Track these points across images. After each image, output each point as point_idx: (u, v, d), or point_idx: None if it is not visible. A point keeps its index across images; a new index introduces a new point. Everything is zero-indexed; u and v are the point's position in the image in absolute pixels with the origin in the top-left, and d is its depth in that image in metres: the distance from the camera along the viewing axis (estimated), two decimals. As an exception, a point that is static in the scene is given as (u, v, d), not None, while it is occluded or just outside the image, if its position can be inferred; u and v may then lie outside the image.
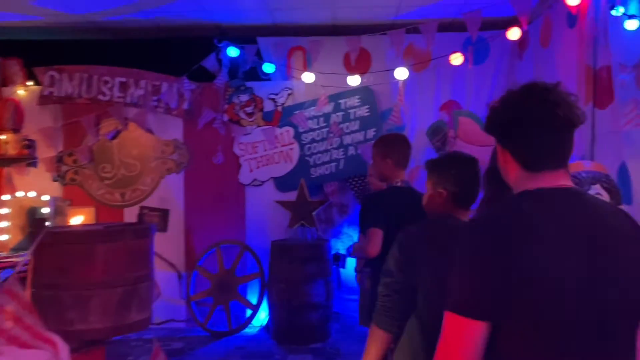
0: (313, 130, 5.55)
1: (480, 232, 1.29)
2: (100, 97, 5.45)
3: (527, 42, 4.93)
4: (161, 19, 5.21)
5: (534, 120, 1.30)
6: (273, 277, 5.12)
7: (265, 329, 5.37)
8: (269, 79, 5.53)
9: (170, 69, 5.44)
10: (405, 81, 5.07)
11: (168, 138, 5.57)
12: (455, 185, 2.05)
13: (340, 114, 5.53)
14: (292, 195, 5.42)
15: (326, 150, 5.56)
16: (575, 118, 1.31)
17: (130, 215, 5.51)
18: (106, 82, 5.46)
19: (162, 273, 5.31)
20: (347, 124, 5.53)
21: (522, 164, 1.35)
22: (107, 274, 3.10)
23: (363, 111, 5.53)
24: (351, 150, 5.53)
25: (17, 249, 5.23)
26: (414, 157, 3.17)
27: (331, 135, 5.50)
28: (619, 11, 3.25)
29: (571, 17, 3.96)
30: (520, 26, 4.33)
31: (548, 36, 4.45)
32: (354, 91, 5.43)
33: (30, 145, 5.46)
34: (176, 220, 5.56)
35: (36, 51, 5.55)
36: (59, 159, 5.51)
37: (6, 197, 5.43)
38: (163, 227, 5.51)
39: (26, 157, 5.44)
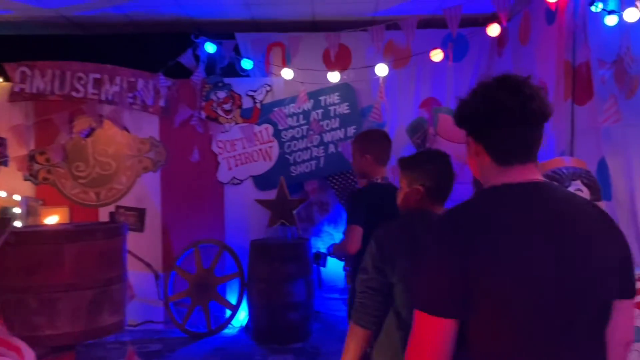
0: (293, 127, 5.49)
1: (444, 230, 1.32)
2: (74, 93, 5.31)
3: (506, 39, 4.93)
4: (135, 14, 5.10)
5: (510, 113, 1.29)
6: (253, 277, 5.05)
7: (245, 329, 5.30)
8: (247, 76, 5.45)
9: (146, 65, 5.32)
10: (385, 78, 5.04)
11: (144, 136, 5.45)
12: (431, 181, 2.09)
13: (320, 111, 5.48)
14: (271, 194, 5.35)
15: (306, 148, 5.50)
16: (547, 111, 1.32)
17: (105, 215, 5.36)
18: (80, 79, 5.32)
19: (139, 274, 5.23)
20: (327, 121, 5.48)
21: (494, 157, 1.34)
22: (76, 275, 2.97)
23: (343, 108, 5.48)
24: (331, 148, 5.48)
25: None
26: (395, 154, 3.14)
27: (311, 132, 5.44)
28: (598, 7, 3.24)
29: (550, 13, 3.96)
30: (500, 22, 4.33)
31: (527, 33, 4.45)
32: (334, 88, 5.38)
33: (1, 143, 5.30)
34: (153, 220, 5.45)
35: (6, 46, 5.39)
36: (31, 158, 5.36)
37: (-24, 197, 5.27)
38: (140, 227, 5.42)
39: (-4, 156, 5.29)
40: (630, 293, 1.38)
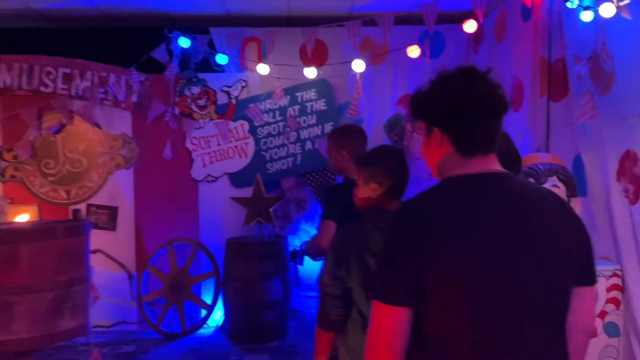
0: (269, 124, 5.41)
1: (399, 221, 1.34)
2: (43, 88, 5.15)
3: (482, 36, 4.94)
4: (107, 7, 4.96)
5: (477, 103, 1.30)
6: (229, 276, 4.98)
7: (220, 329, 5.23)
8: (222, 71, 5.35)
9: (117, 59, 5.18)
10: (362, 74, 5.00)
11: (116, 132, 5.32)
12: (389, 178, 2.08)
13: (296, 107, 5.41)
14: (247, 192, 5.27)
15: (283, 145, 5.43)
16: (508, 103, 1.34)
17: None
18: (49, 73, 5.16)
19: (111, 273, 5.13)
20: (304, 117, 5.42)
21: (458, 148, 1.34)
22: (34, 277, 2.81)
23: (320, 104, 5.43)
24: (308, 145, 5.43)
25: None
26: (372, 150, 3.11)
27: (288, 129, 5.38)
28: (574, 3, 3.25)
29: (526, 10, 3.97)
30: (476, 19, 4.32)
31: (503, 30, 4.46)
32: (310, 84, 5.32)
33: (-34, 140, 5.12)
34: (126, 218, 5.33)
35: (-30, 40, 5.21)
36: (-2, 155, 5.19)
37: (-61, 195, 5.08)
38: (112, 226, 5.30)
39: (-39, 153, 5.11)
40: (590, 280, 1.39)
